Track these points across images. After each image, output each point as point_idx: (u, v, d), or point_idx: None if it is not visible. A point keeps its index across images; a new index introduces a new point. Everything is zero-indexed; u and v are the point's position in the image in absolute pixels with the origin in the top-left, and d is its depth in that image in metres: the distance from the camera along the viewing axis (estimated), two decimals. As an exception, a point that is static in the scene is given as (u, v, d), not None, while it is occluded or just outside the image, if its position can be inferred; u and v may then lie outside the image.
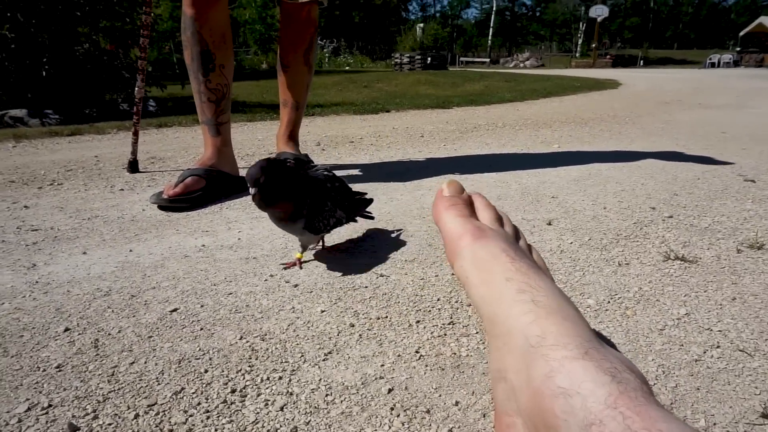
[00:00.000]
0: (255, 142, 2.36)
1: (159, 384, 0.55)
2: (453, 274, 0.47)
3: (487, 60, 23.56)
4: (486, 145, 2.27)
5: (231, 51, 1.35)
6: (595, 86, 7.59)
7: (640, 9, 35.17)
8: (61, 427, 0.49)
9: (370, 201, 1.03)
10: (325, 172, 0.88)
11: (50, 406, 0.52)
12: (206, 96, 1.32)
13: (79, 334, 0.66)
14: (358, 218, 1.02)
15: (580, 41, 28.54)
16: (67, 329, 0.67)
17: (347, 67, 15.79)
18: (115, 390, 0.54)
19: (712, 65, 17.84)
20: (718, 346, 0.63)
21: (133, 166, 1.63)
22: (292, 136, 1.63)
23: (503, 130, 2.79)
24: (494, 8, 30.62)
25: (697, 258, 0.93)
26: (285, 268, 0.89)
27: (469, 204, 0.53)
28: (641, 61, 21.29)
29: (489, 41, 28.26)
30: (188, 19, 1.29)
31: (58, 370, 0.58)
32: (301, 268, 0.88)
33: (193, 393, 0.54)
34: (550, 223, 1.14)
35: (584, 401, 0.32)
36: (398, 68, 12.45)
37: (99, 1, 4.11)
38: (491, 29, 28.85)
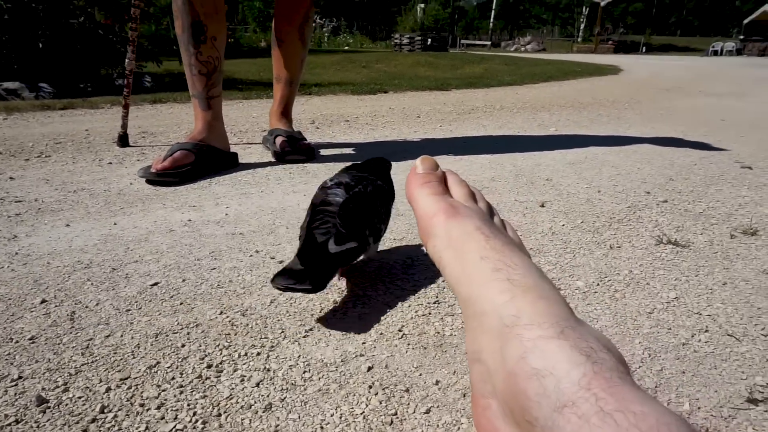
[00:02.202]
0: (249, 119, 2.32)
1: (134, 358, 0.54)
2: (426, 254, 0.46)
3: (489, 43, 23.32)
4: (483, 127, 2.24)
5: (224, 23, 1.31)
6: (595, 72, 7.51)
7: (644, -7, 34.85)
8: (29, 399, 0.47)
9: None
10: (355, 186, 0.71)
11: (20, 377, 0.51)
12: (197, 68, 1.29)
13: (56, 306, 0.65)
14: None
15: (582, 26, 28.22)
16: (43, 301, 0.66)
17: (346, 47, 15.60)
18: (88, 363, 0.53)
19: (715, 53, 17.71)
20: (706, 330, 0.62)
21: (123, 140, 1.60)
22: (286, 113, 1.60)
23: (501, 113, 2.76)
24: (497, -10, 30.24)
25: (689, 243, 0.92)
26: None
27: (443, 181, 0.51)
28: (643, 48, 21.10)
29: (490, 24, 27.93)
30: (179, -12, 1.25)
31: (31, 341, 0.57)
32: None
33: (168, 367, 0.52)
34: (543, 205, 1.13)
35: (558, 382, 0.31)
36: (398, 49, 12.30)
37: (94, -28, 4.02)
38: (493, 11, 28.50)
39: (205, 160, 1.29)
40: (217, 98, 1.35)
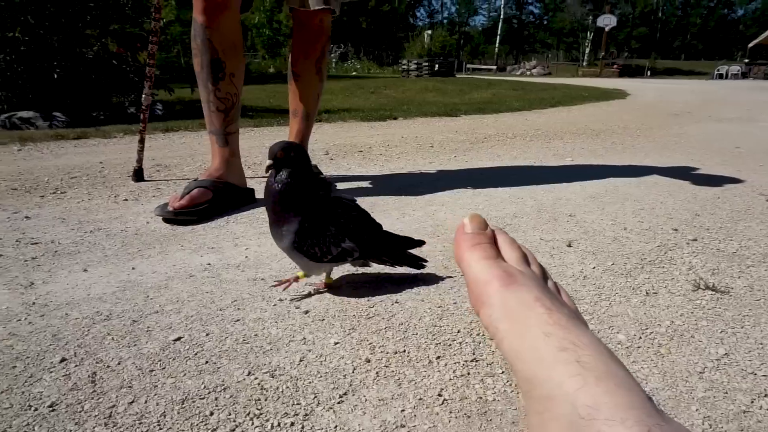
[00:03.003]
0: (262, 149, 2.32)
1: (160, 429, 0.51)
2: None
3: (494, 67, 23.55)
4: (498, 157, 2.22)
5: (242, 59, 1.31)
6: (603, 96, 7.53)
7: (648, 19, 35.12)
8: (51, 480, 0.44)
9: (419, 243, 0.85)
10: (346, 199, 0.81)
11: (41, 453, 0.47)
12: (215, 105, 1.29)
13: (76, 366, 0.62)
14: (401, 265, 0.86)
15: (587, 50, 28.50)
16: (63, 359, 0.63)
17: (354, 73, 15.79)
18: (112, 435, 0.50)
19: (720, 77, 17.76)
20: (766, 395, 0.58)
21: (138, 175, 1.59)
22: (302, 147, 1.59)
23: (514, 141, 2.75)
24: (502, 16, 30.64)
25: (728, 288, 0.88)
26: (275, 286, 0.84)
27: (493, 241, 0.48)
28: (648, 72, 21.23)
29: (496, 48, 28.26)
30: (198, 27, 1.25)
31: (51, 409, 0.54)
32: (296, 281, 0.83)
33: (197, 441, 0.49)
34: (569, 245, 1.09)
35: None
36: (405, 74, 12.43)
37: (108, 4, 4.11)
38: (498, 36, 28.86)
39: (223, 197, 1.27)
40: (234, 134, 1.34)
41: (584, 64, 25.62)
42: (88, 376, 0.60)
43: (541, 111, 5.22)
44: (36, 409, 0.54)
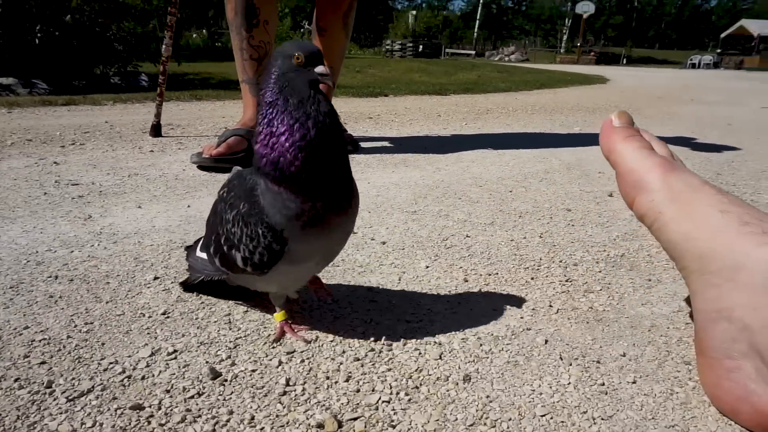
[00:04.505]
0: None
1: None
2: (632, 213, 0.41)
3: (473, 52, 23.56)
4: (507, 126, 2.24)
5: (276, 6, 1.28)
6: (584, 81, 7.61)
7: (624, 8, 35.66)
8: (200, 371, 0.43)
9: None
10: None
11: (175, 351, 0.46)
12: (248, 53, 1.25)
13: (172, 282, 0.60)
14: None
15: (564, 37, 28.79)
16: (156, 277, 0.61)
17: (335, 53, 15.55)
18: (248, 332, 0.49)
19: (693, 66, 18.18)
20: None
21: (156, 130, 1.55)
22: (326, 104, 1.57)
23: (516, 114, 2.77)
24: (481, 1, 30.65)
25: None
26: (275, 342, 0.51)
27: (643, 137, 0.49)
28: (624, 60, 21.58)
29: (475, 33, 28.28)
30: (232, -30, 1.21)
31: (165, 316, 0.53)
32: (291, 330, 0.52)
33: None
34: (611, 195, 1.11)
35: None
36: (389, 55, 12.36)
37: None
38: (477, 21, 28.87)
39: (257, 147, 1.24)
40: (267, 85, 1.31)
41: (562, 51, 25.88)
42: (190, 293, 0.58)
43: (528, 92, 5.25)
44: (150, 317, 0.52)
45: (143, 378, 0.42)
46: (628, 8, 35.89)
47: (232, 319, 0.53)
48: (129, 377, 0.42)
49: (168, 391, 0.41)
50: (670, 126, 2.49)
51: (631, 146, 0.45)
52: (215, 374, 0.43)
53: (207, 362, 0.45)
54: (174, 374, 0.43)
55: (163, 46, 1.51)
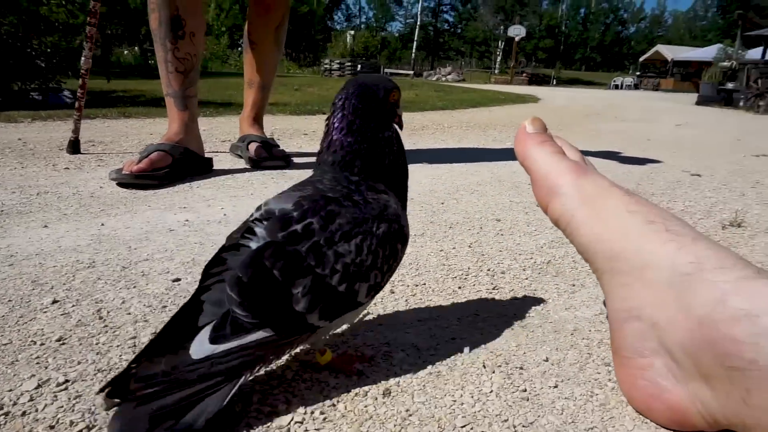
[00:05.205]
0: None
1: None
2: (547, 216, 0.41)
3: (411, 72, 24.06)
4: (442, 141, 2.27)
5: (203, 19, 1.24)
6: (517, 100, 7.93)
7: (553, 32, 37.79)
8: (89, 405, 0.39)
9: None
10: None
11: (66, 381, 0.42)
12: (174, 65, 1.21)
13: (73, 306, 0.55)
14: None
15: (498, 59, 30.02)
16: (55, 301, 0.56)
17: (274, 72, 15.45)
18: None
19: (616, 87, 19.39)
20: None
21: (74, 146, 1.45)
22: (257, 119, 1.53)
23: (452, 130, 2.83)
24: (419, 23, 31.48)
25: (689, 234, 0.97)
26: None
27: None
28: (554, 81, 22.74)
29: (413, 54, 28.98)
30: (155, -20, 1.17)
31: (60, 343, 0.47)
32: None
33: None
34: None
35: None
36: (328, 74, 12.40)
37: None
38: (415, 42, 29.62)
39: (183, 162, 1.19)
40: (193, 98, 1.26)
41: (496, 71, 26.93)
42: (93, 314, 0.53)
43: (464, 110, 5.39)
44: (42, 344, 0.47)
45: (23, 414, 0.37)
46: (556, 32, 38.03)
47: (137, 342, 0.48)
48: (7, 414, 0.37)
49: (52, 427, 0.36)
50: (596, 141, 2.62)
51: (543, 151, 0.46)
52: (110, 405, 0.39)
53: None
54: (62, 407, 0.38)
55: (83, 59, 1.43)
